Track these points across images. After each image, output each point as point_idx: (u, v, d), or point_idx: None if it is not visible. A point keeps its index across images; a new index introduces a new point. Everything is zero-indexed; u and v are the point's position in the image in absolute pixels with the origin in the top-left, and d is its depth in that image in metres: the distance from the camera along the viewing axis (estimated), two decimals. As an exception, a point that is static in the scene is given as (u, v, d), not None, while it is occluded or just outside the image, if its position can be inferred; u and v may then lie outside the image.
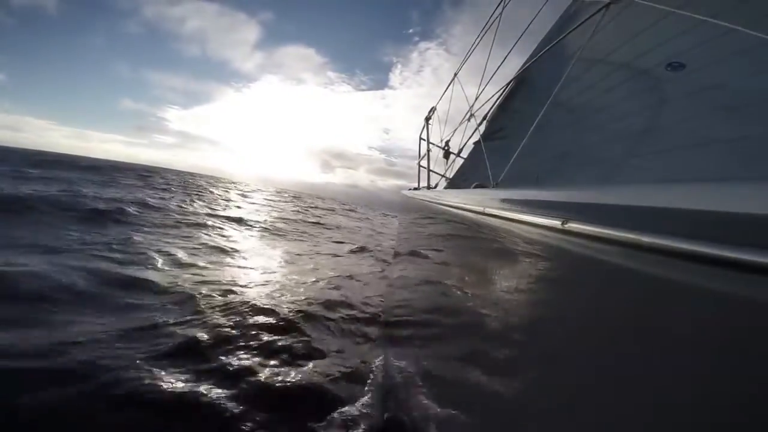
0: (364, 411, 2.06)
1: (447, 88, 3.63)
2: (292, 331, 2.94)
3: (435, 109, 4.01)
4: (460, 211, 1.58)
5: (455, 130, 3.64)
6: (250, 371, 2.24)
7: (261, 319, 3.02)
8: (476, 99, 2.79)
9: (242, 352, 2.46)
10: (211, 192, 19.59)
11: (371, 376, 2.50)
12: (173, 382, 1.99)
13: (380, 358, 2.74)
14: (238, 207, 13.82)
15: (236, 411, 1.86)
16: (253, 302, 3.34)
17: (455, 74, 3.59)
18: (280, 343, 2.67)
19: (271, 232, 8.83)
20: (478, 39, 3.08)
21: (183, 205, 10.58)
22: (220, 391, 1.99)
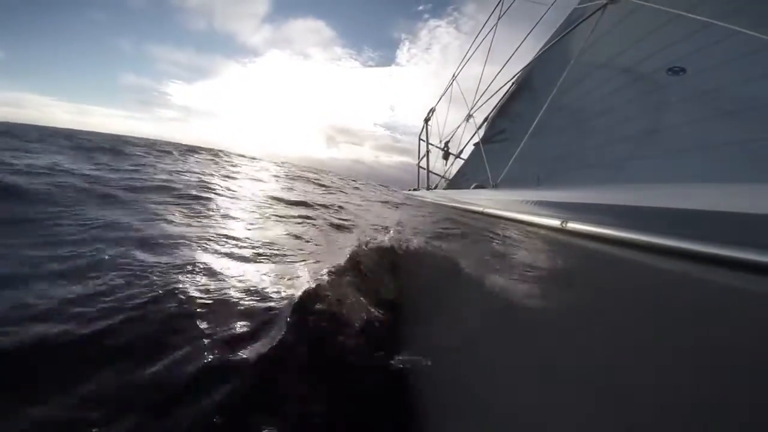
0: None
1: (446, 90, 3.65)
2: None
3: (434, 110, 4.02)
4: (459, 212, 1.58)
5: (454, 131, 3.65)
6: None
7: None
8: (476, 100, 2.79)
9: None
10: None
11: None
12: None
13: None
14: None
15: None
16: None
17: (454, 76, 3.60)
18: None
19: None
20: (479, 39, 3.09)
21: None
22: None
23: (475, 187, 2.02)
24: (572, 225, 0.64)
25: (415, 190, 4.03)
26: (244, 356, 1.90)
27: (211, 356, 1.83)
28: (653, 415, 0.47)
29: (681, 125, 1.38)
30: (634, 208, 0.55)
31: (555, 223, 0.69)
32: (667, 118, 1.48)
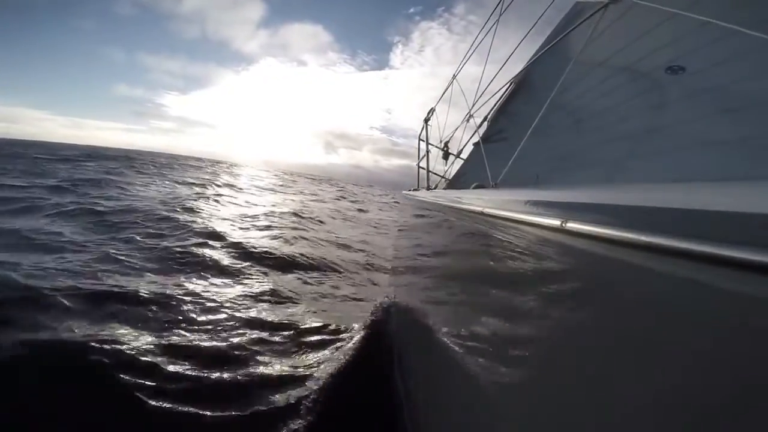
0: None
1: (446, 90, 3.64)
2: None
3: (434, 110, 4.01)
4: (459, 212, 1.58)
5: (454, 131, 3.64)
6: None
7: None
8: (476, 100, 2.79)
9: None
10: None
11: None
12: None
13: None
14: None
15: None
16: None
17: (454, 76, 3.59)
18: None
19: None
20: (479, 39, 3.08)
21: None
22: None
23: (475, 187, 2.02)
24: (572, 225, 0.64)
25: (414, 190, 4.02)
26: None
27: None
28: (653, 416, 0.47)
29: (680, 123, 1.38)
30: (634, 208, 0.55)
31: (555, 223, 0.68)
32: (666, 116, 1.47)
